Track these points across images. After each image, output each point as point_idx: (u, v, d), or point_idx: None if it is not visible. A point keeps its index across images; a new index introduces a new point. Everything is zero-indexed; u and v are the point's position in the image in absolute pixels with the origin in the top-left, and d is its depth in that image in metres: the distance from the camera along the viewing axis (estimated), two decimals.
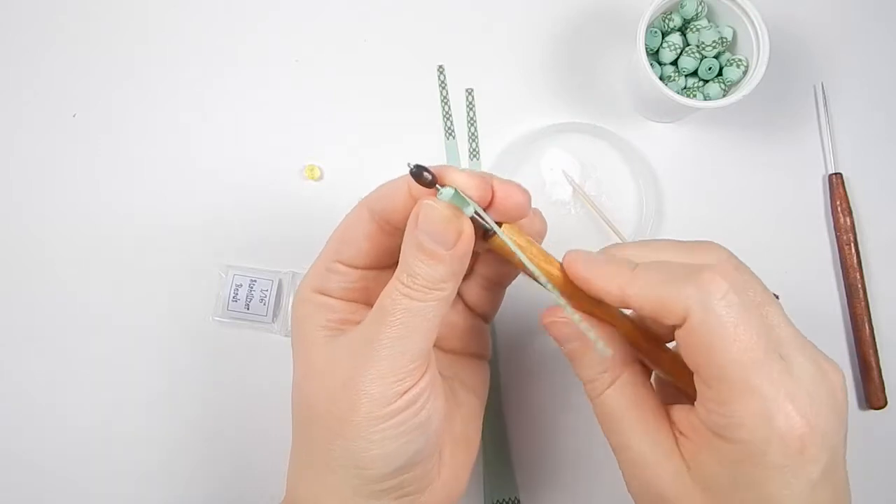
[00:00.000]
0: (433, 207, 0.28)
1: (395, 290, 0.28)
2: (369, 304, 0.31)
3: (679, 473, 0.28)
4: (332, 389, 0.29)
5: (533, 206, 0.32)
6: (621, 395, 0.30)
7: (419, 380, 0.28)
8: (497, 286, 0.36)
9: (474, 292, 0.36)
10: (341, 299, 0.32)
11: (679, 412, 0.29)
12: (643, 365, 0.31)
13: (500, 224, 0.30)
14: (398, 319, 0.28)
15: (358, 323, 0.30)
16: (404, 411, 0.28)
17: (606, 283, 0.28)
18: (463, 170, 0.29)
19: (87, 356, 0.45)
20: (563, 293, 0.30)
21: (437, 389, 0.30)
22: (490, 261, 0.36)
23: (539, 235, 0.34)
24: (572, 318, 0.27)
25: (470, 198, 0.28)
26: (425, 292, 0.28)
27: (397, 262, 0.32)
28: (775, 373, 0.26)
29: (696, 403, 0.27)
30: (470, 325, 0.36)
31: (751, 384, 0.25)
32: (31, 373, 0.45)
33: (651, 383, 0.31)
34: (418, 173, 0.27)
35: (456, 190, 0.28)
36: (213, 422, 0.45)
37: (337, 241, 0.33)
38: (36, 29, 0.49)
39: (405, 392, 0.28)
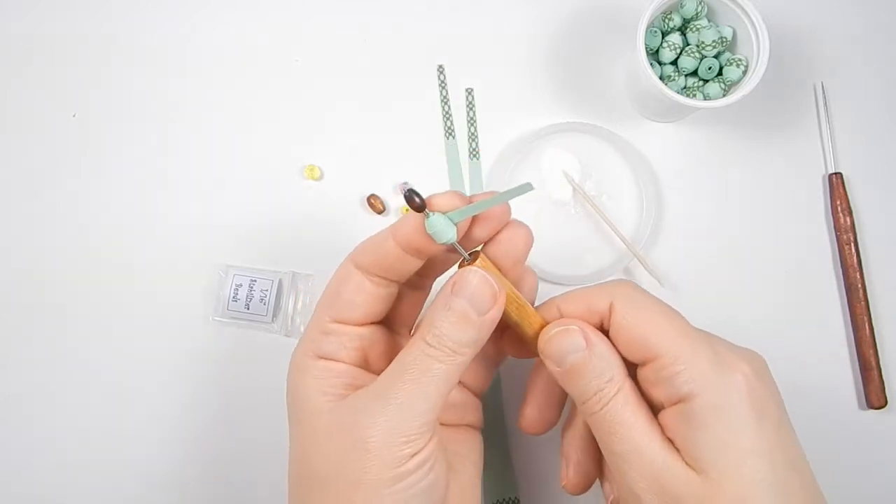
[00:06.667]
0: (474, 272, 0.29)
1: (417, 348, 0.29)
2: (368, 368, 0.32)
3: (687, 469, 0.29)
4: (340, 451, 0.28)
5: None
6: (628, 401, 0.30)
7: (428, 442, 0.29)
8: (490, 363, 0.37)
9: (468, 370, 0.36)
10: (342, 362, 0.32)
11: (662, 417, 0.30)
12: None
13: (477, 254, 0.31)
14: (416, 378, 0.28)
15: (360, 387, 0.30)
16: (413, 473, 0.28)
17: (549, 312, 0.33)
18: (444, 193, 0.30)
19: (86, 356, 0.45)
20: (528, 330, 0.33)
21: (442, 455, 0.30)
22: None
23: (532, 290, 0.35)
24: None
25: (455, 222, 0.29)
26: (448, 353, 0.29)
27: (391, 318, 0.34)
28: (700, 331, 0.31)
29: (654, 391, 0.30)
30: (464, 399, 0.36)
31: (688, 336, 0.30)
32: (31, 372, 0.45)
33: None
34: (410, 197, 0.28)
35: (446, 214, 0.29)
36: (213, 422, 0.45)
37: (327, 300, 0.32)
38: (36, 28, 0.49)
39: (415, 454, 0.28)
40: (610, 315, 0.31)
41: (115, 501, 0.44)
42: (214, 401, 0.45)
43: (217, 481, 0.44)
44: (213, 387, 0.45)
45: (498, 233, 0.32)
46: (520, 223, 0.32)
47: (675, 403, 0.29)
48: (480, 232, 0.31)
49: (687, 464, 0.29)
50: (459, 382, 0.36)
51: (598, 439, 0.32)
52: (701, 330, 0.31)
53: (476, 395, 0.37)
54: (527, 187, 0.29)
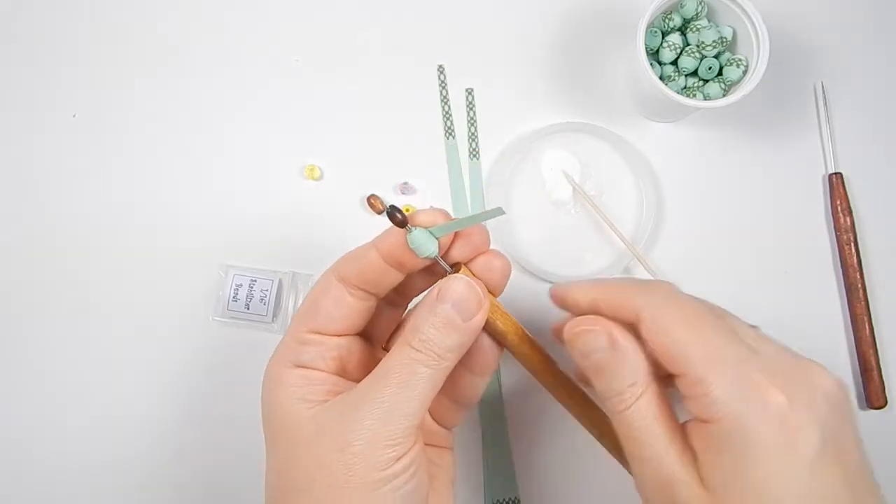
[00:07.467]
0: (459, 279, 0.30)
1: (403, 353, 0.29)
2: (345, 376, 0.32)
3: (699, 486, 0.28)
4: (325, 455, 0.28)
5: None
6: (650, 408, 0.30)
7: (413, 446, 0.29)
8: (459, 405, 0.36)
9: (435, 406, 0.36)
10: (320, 370, 0.32)
11: (688, 427, 0.30)
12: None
13: (459, 265, 0.32)
14: (401, 382, 0.29)
15: (340, 394, 0.30)
16: (399, 476, 0.28)
17: (582, 296, 0.33)
18: (427, 209, 0.30)
19: (86, 356, 0.45)
20: (514, 338, 0.33)
21: (425, 460, 0.30)
22: (451, 378, 0.35)
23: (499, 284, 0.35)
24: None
25: (438, 238, 0.30)
26: (433, 358, 0.29)
27: (367, 332, 0.34)
28: (740, 350, 0.28)
29: (685, 402, 0.29)
30: (437, 429, 0.36)
31: (717, 356, 0.28)
32: (31, 372, 0.45)
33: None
34: (392, 213, 0.29)
35: (427, 229, 0.30)
36: (213, 422, 0.45)
37: (305, 312, 0.32)
38: (36, 28, 0.49)
39: (400, 457, 0.28)
40: (640, 321, 0.30)
41: (114, 500, 0.44)
42: (214, 400, 0.45)
43: (216, 481, 0.44)
44: (213, 387, 0.45)
45: (476, 258, 0.32)
46: (498, 253, 0.32)
47: (701, 420, 0.28)
48: (459, 252, 0.32)
49: (701, 479, 0.28)
50: (431, 416, 0.36)
51: (619, 437, 0.31)
52: (750, 343, 0.29)
53: (447, 428, 0.37)
54: (498, 211, 0.30)
